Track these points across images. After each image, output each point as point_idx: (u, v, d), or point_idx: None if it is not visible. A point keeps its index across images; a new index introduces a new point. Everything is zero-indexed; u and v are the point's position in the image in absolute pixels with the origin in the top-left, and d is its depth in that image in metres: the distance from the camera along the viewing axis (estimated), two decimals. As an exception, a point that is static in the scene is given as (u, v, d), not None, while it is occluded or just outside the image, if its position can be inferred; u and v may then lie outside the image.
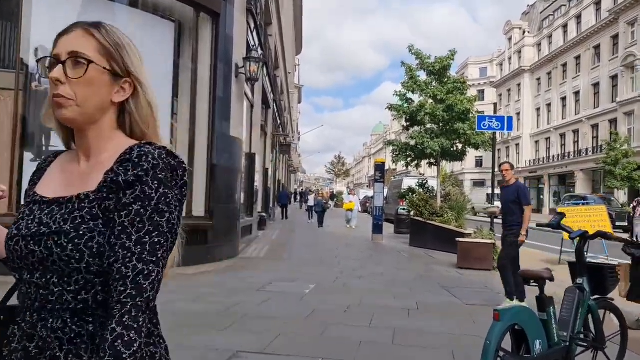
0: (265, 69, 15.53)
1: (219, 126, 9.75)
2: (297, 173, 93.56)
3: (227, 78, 9.97)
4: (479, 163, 66.62)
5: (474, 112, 14.20)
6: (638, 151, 32.69)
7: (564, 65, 47.99)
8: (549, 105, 51.06)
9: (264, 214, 18.37)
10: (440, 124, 14.72)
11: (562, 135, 48.06)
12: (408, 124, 15.47)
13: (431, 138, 14.16)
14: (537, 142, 53.63)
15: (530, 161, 53.24)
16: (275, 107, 21.93)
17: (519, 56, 58.14)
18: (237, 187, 10.61)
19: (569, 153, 46.02)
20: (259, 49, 12.91)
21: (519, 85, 56.71)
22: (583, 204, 14.75)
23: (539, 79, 53.59)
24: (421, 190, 15.81)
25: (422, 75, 14.87)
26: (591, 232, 3.86)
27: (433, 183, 17.96)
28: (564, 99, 47.98)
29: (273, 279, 7.92)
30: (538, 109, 53.00)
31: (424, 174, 31.27)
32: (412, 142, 15.08)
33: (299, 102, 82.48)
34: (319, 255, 11.45)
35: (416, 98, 15.24)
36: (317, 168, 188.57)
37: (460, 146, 14.82)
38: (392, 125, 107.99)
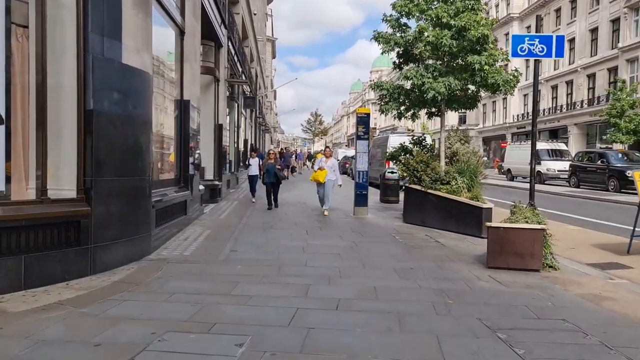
0: (205, -15, 11.33)
1: (99, 46, 5.75)
2: (273, 132, 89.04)
3: (110, -36, 5.90)
4: (462, 120, 63.11)
5: (492, 41, 10.34)
6: (646, 101, 29.37)
7: (558, 10, 44.06)
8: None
9: (217, 182, 14.49)
10: (446, 59, 10.82)
11: (554, 87, 44.66)
12: (401, 60, 11.53)
13: (434, 78, 10.31)
14: (525, 95, 50.15)
15: (518, 116, 49.95)
16: (232, 49, 17.68)
17: (507, 3, 54.01)
18: (145, 148, 6.70)
19: (561, 106, 42.75)
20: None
21: (506, 34, 52.59)
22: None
23: (528, 27, 49.57)
24: (417, 148, 12.07)
25: (421, -8, 10.87)
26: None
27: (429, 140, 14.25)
28: (557, 47, 44.20)
29: (170, 324, 4.13)
30: (527, 60, 49.17)
31: (412, 130, 27.48)
32: (408, 85, 11.20)
33: (273, 57, 77.27)
34: (277, 249, 7.70)
35: (413, 24, 11.28)
36: (295, 128, 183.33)
37: (472, 88, 10.98)
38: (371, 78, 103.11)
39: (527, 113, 48.73)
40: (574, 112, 40.07)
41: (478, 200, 9.53)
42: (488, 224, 6.88)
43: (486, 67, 9.92)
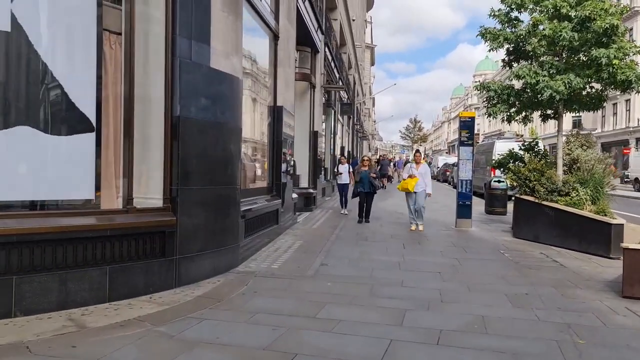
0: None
1: (187, 50, 5.57)
2: (372, 140, 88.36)
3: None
4: (576, 124, 58.06)
5: (621, 32, 8.95)
6: None
7: (693, -1, 39.10)
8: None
9: (312, 190, 14.21)
10: (564, 54, 9.59)
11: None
12: (511, 57, 10.44)
13: (550, 75, 9.15)
14: (653, 96, 45.00)
15: (644, 119, 44.87)
16: (329, 55, 17.42)
17: (631, -5, 49.02)
18: (234, 155, 6.45)
19: (698, 108, 37.73)
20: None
21: (630, 29, 47.70)
22: None
23: (657, 20, 44.55)
24: (529, 155, 10.87)
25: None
26: None
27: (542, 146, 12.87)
28: (692, 41, 39.21)
29: (246, 353, 3.69)
30: (656, 56, 44.05)
31: (521, 135, 25.52)
32: (518, 85, 10.09)
33: (372, 64, 76.85)
34: (370, 265, 7.09)
35: (525, 18, 10.16)
36: (394, 135, 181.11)
37: (597, 87, 9.63)
38: (473, 86, 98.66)
39: (656, 116, 43.68)
40: None
41: (606, 215, 8.24)
42: (624, 244, 5.75)
43: (615, 61, 8.59)
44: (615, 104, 49.49)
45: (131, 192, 5.23)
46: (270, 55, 9.27)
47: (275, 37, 9.22)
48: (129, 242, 5.07)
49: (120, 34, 5.54)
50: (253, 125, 8.82)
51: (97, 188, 5.22)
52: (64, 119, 5.02)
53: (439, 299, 5.38)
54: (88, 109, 5.06)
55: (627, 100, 47.10)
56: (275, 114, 9.33)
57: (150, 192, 5.49)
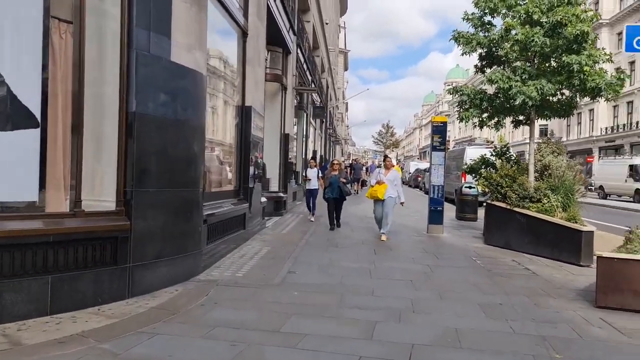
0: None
1: (145, 42, 5.18)
2: (344, 144, 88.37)
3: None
4: (543, 132, 59.30)
5: (592, 40, 8.93)
6: None
7: (655, 14, 40.36)
8: (632, 63, 43.52)
9: (282, 194, 13.83)
10: (536, 60, 9.53)
11: (650, 97, 40.73)
12: (483, 62, 10.33)
13: (523, 81, 9.06)
14: (615, 107, 46.22)
15: (606, 129, 46.08)
16: (301, 57, 17.10)
17: (596, 8, 50.36)
18: (197, 156, 6.06)
19: (659, 118, 38.88)
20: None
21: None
22: None
23: (619, 34, 45.82)
24: (500, 161, 10.76)
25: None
26: None
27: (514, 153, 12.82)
28: (653, 54, 40.37)
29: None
30: (618, 69, 45.34)
31: (492, 142, 25.69)
32: (491, 90, 9.98)
33: (345, 69, 76.94)
34: (340, 272, 6.79)
35: (498, 23, 10.08)
36: (366, 140, 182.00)
37: (567, 93, 9.60)
38: (444, 94, 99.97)
39: (618, 126, 44.92)
40: (674, 124, 36.28)
41: (576, 222, 8.15)
42: (598, 253, 5.59)
43: (586, 68, 8.54)
44: (579, 114, 50.68)
45: (79, 194, 4.79)
46: (239, 53, 8.89)
47: (244, 34, 8.85)
48: (76, 248, 4.63)
49: (71, 22, 5.12)
50: (219, 125, 8.45)
51: (42, 189, 4.79)
52: (4, 112, 4.56)
53: (410, 309, 5.11)
54: (32, 102, 4.61)
55: (591, 110, 48.37)
56: (244, 114, 8.95)
57: (103, 194, 5.07)
